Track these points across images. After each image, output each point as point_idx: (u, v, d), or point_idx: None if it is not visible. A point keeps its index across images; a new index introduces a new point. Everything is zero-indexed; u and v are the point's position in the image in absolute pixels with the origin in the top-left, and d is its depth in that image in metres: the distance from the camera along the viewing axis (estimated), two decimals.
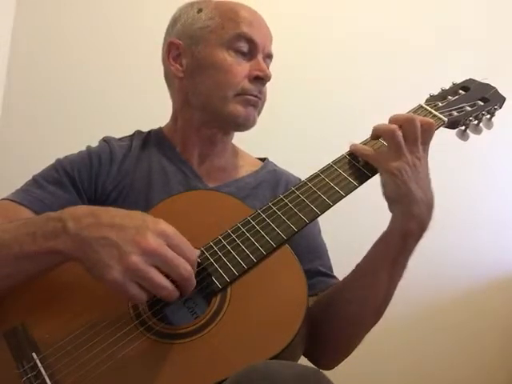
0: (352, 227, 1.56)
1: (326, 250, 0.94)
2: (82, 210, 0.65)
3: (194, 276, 0.62)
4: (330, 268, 0.92)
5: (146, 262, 0.58)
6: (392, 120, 0.73)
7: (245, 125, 0.90)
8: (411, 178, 0.69)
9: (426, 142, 0.72)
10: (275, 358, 0.60)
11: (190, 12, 0.93)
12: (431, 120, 0.74)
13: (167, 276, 0.60)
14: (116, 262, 0.58)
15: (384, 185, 0.71)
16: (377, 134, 0.74)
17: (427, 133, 0.72)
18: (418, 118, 0.71)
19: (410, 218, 0.69)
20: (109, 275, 0.58)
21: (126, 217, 0.63)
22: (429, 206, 0.71)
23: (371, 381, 1.60)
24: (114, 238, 0.60)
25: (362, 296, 0.74)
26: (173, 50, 0.92)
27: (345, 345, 0.80)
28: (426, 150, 0.72)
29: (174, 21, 0.95)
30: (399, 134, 0.70)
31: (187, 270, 0.61)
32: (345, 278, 0.78)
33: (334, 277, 0.90)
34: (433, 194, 0.72)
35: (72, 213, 0.64)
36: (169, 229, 0.62)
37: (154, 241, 0.59)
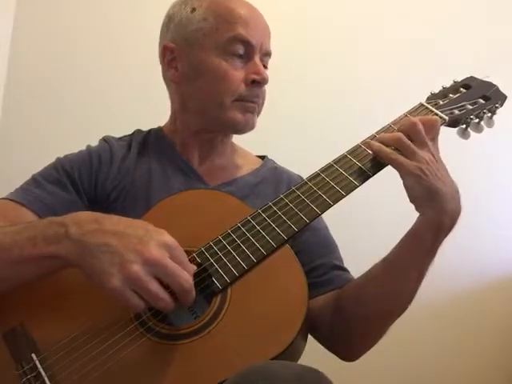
0: (353, 228, 1.56)
1: (336, 245, 0.93)
2: (85, 215, 0.65)
3: (193, 287, 0.62)
4: (342, 261, 0.91)
5: (146, 272, 0.58)
6: (381, 138, 0.73)
7: (243, 130, 0.89)
8: (433, 174, 0.69)
9: (433, 138, 0.72)
10: (276, 358, 0.60)
11: (183, 11, 0.90)
12: (433, 117, 0.74)
13: (167, 287, 0.60)
14: (117, 270, 0.58)
15: (409, 188, 0.70)
16: (386, 144, 0.73)
17: (432, 130, 0.72)
18: (420, 121, 0.71)
19: (442, 213, 0.69)
20: (109, 283, 0.58)
21: (129, 225, 0.63)
22: (457, 198, 0.72)
23: (371, 381, 1.59)
24: (117, 246, 0.60)
25: (393, 290, 0.74)
26: (167, 54, 0.91)
27: (371, 338, 0.80)
28: (435, 144, 0.73)
29: (168, 20, 0.93)
30: (404, 137, 0.70)
31: (188, 281, 0.61)
32: (371, 272, 0.77)
33: (348, 270, 0.90)
34: (454, 182, 0.73)
35: (75, 218, 0.64)
36: (171, 240, 0.62)
37: (156, 251, 0.59)
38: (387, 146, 0.73)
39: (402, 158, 0.69)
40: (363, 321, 0.77)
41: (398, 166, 0.69)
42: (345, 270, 0.89)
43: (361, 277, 0.81)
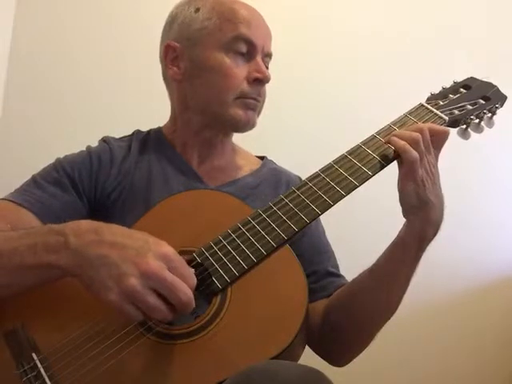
0: (353, 227, 1.56)
1: (332, 250, 0.94)
2: (85, 225, 0.65)
3: (193, 300, 0.61)
4: (338, 267, 0.92)
5: (143, 285, 0.58)
6: (401, 135, 0.72)
7: (244, 128, 0.90)
8: (429, 186, 0.70)
9: (439, 149, 0.73)
10: (276, 358, 0.60)
11: (186, 11, 0.91)
12: (446, 128, 0.74)
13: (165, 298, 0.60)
14: (114, 283, 0.58)
15: (406, 193, 0.71)
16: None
17: (444, 140, 0.72)
18: (432, 129, 0.71)
19: (428, 223, 0.71)
20: (107, 296, 0.58)
21: (128, 236, 0.62)
22: (442, 210, 0.73)
23: (371, 381, 1.59)
24: (114, 258, 0.59)
25: (380, 298, 0.76)
26: (170, 53, 0.91)
27: (360, 344, 0.82)
28: (437, 157, 0.73)
29: (171, 20, 0.94)
30: (422, 141, 0.70)
31: (187, 294, 0.60)
32: (359, 281, 0.79)
33: (343, 276, 0.90)
34: (443, 198, 0.73)
35: (75, 228, 0.64)
36: (170, 251, 0.61)
37: (153, 263, 0.59)
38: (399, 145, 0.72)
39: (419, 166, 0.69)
40: (351, 329, 0.79)
41: (411, 170, 0.69)
42: (339, 276, 0.90)
43: (347, 286, 0.82)
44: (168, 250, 0.61)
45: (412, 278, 0.76)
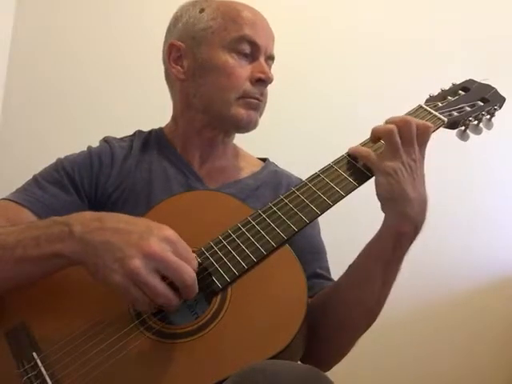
0: (352, 227, 1.56)
1: (325, 252, 0.94)
2: (89, 215, 0.66)
3: (196, 282, 0.62)
4: (328, 270, 0.92)
5: (147, 267, 0.59)
6: (389, 122, 0.73)
7: (246, 127, 0.90)
8: (406, 178, 0.68)
9: (422, 144, 0.72)
10: (275, 357, 0.60)
11: (191, 11, 0.92)
12: (428, 123, 0.73)
13: (170, 282, 0.60)
14: (119, 265, 0.59)
15: (378, 184, 0.70)
16: (376, 136, 0.74)
17: (424, 135, 0.71)
18: (414, 121, 0.71)
19: (404, 218, 0.69)
20: (112, 279, 0.59)
21: (130, 222, 0.63)
22: (423, 208, 0.71)
23: (370, 381, 1.60)
24: (118, 242, 0.60)
25: (355, 297, 0.74)
26: (174, 52, 0.92)
27: (339, 346, 0.79)
28: (422, 152, 0.72)
29: (176, 20, 0.94)
30: (397, 134, 0.70)
31: (191, 276, 0.61)
32: (338, 280, 0.78)
33: (331, 279, 0.89)
34: (427, 196, 0.72)
35: (78, 217, 0.65)
36: (173, 235, 0.62)
37: (156, 245, 0.59)
38: (379, 137, 0.73)
39: (376, 157, 0.70)
40: (329, 330, 0.76)
41: (370, 163, 0.70)
42: (327, 278, 0.89)
43: (329, 286, 0.81)
44: (170, 233, 0.62)
45: (393, 279, 0.73)
